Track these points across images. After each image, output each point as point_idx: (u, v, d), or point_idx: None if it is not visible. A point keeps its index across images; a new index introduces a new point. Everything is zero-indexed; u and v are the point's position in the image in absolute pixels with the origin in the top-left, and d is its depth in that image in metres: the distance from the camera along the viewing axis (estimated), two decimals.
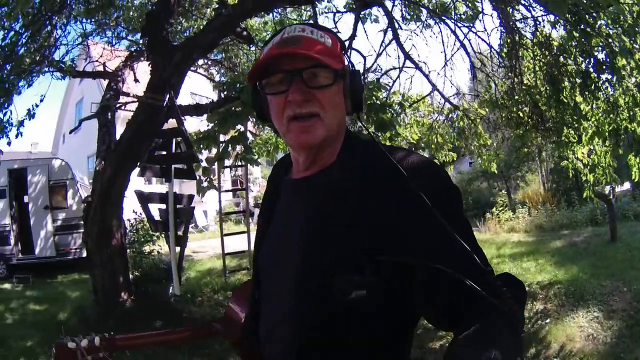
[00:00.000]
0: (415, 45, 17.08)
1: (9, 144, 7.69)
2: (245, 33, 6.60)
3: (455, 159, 10.14)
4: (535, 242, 12.21)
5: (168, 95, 5.60)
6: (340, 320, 1.12)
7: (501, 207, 18.15)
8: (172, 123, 6.12)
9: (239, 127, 6.24)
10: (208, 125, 6.75)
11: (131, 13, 8.49)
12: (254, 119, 5.53)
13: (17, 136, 7.78)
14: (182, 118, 6.01)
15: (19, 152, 13.54)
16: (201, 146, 6.66)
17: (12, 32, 6.72)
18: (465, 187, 23.13)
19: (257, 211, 16.15)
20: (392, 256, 1.06)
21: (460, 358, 0.88)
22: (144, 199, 5.85)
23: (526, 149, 11.17)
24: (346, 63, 1.27)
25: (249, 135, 7.52)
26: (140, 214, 10.43)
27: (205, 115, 6.64)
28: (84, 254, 10.15)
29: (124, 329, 6.72)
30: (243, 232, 10.02)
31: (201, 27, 7.69)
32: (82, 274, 11.89)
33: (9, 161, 12.45)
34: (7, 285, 11.79)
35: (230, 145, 6.30)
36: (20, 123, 7.74)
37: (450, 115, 9.11)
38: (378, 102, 5.04)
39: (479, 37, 7.57)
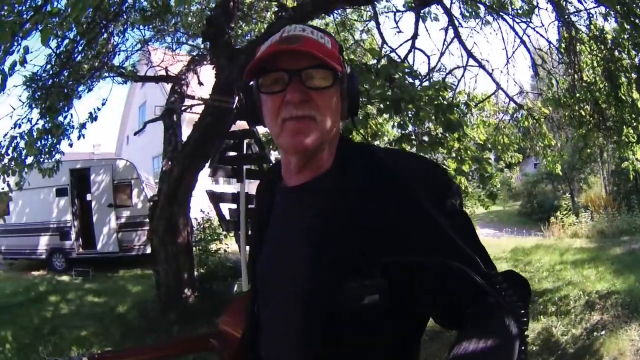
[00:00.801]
0: (477, 43, 16.82)
1: (70, 145, 7.98)
2: None
3: (520, 160, 9.94)
4: (596, 248, 11.90)
5: (237, 98, 5.67)
6: (351, 327, 1.07)
7: (565, 211, 17.61)
8: (239, 125, 6.20)
9: None
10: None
11: (189, 19, 8.62)
12: None
13: (79, 138, 8.05)
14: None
15: (82, 153, 13.99)
16: (270, 147, 6.73)
17: (67, 40, 6.93)
18: (530, 190, 22.61)
19: None
20: (400, 257, 1.04)
21: None
22: (216, 198, 5.91)
23: (588, 149, 10.90)
24: (344, 66, 1.23)
25: None
26: (208, 213, 10.75)
27: None
28: (148, 251, 10.41)
29: (185, 324, 6.90)
30: None
31: (262, 30, 7.78)
32: (144, 270, 12.29)
33: (72, 161, 13.06)
34: (65, 278, 12.28)
35: None
36: (82, 125, 7.99)
37: (515, 115, 8.95)
38: (445, 102, 4.98)
39: (537, 32, 7.42)
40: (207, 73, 8.92)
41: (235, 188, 5.92)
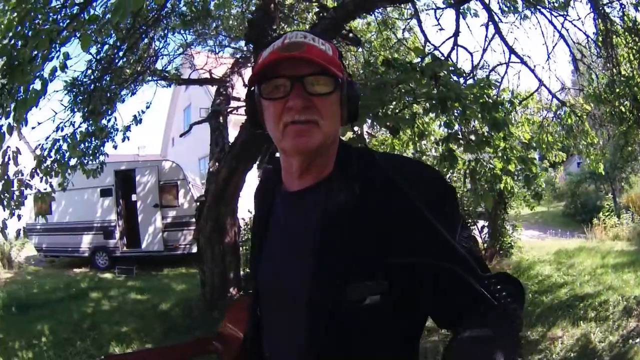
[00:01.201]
0: (517, 38, 16.42)
1: (115, 147, 8.17)
2: (351, 35, 6.57)
3: (564, 159, 9.67)
4: (637, 251, 11.51)
5: None
6: (354, 327, 1.12)
7: (607, 212, 17.05)
8: None
9: (356, 128, 6.21)
10: None
11: (230, 22, 8.63)
12: (371, 120, 5.46)
13: (123, 140, 8.25)
14: None
15: (127, 155, 14.31)
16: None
17: (107, 46, 7.04)
18: (574, 190, 21.98)
19: None
20: (400, 259, 1.08)
21: None
22: None
23: (629, 147, 10.54)
24: (344, 73, 1.25)
25: (365, 136, 7.49)
26: None
27: None
28: (194, 250, 10.52)
29: None
30: None
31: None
32: (189, 269, 12.48)
33: (116, 163, 13.39)
34: (108, 275, 12.60)
35: None
36: (127, 128, 8.19)
37: (558, 112, 8.69)
38: (490, 100, 4.85)
39: (575, 25, 7.15)
40: None
41: None
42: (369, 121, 6.18)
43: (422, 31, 6.97)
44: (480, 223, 10.14)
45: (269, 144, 5.80)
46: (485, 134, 5.09)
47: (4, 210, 4.79)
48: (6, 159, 4.45)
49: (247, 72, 9.45)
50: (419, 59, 5.33)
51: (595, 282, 7.95)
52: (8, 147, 4.46)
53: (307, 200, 1.25)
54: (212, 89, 13.18)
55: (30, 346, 6.75)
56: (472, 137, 5.02)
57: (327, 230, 1.16)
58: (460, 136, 5.09)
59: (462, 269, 1.04)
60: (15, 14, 3.32)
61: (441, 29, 6.84)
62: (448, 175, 9.61)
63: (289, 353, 1.24)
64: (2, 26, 3.64)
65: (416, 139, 6.80)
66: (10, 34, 3.37)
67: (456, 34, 6.37)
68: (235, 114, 9.24)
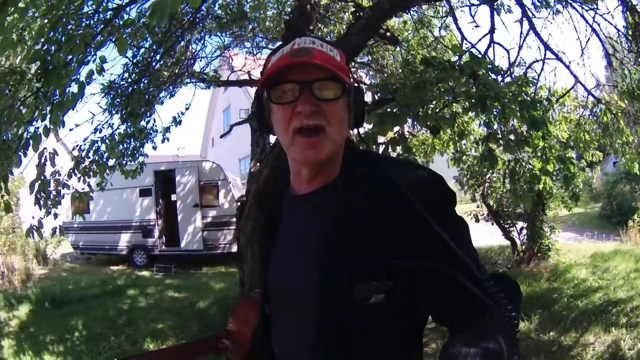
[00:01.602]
0: (551, 34, 15.97)
1: (154, 148, 8.30)
2: (389, 34, 6.52)
3: (601, 158, 9.39)
4: None
5: None
6: (361, 324, 1.15)
7: None
8: None
9: (397, 128, 6.18)
10: (365, 127, 6.75)
11: (267, 23, 8.66)
12: (412, 120, 5.43)
13: (163, 141, 8.37)
14: None
15: (167, 156, 14.57)
16: (360, 148, 6.64)
17: (143, 49, 7.16)
18: (610, 191, 21.29)
19: None
20: (402, 261, 1.11)
21: None
22: None
23: None
24: (351, 78, 1.29)
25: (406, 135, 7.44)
26: None
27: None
28: (233, 249, 10.62)
29: None
30: None
31: (341, 31, 7.71)
32: (229, 268, 12.68)
33: (156, 163, 13.66)
34: (146, 273, 12.89)
35: (390, 146, 6.24)
36: (167, 129, 8.31)
37: (594, 110, 8.45)
38: (528, 98, 4.75)
39: (605, 19, 6.94)
40: None
41: None
42: (410, 121, 6.16)
43: (458, 28, 6.88)
44: (519, 224, 9.96)
45: None
46: (524, 133, 5.01)
47: (40, 210, 4.91)
48: (42, 160, 4.56)
49: None
50: (456, 57, 5.26)
51: (629, 287, 7.68)
52: (45, 148, 4.57)
53: (313, 203, 1.29)
54: (251, 90, 13.31)
55: (62, 340, 6.93)
56: (512, 137, 4.95)
57: (332, 233, 1.19)
58: (500, 136, 5.02)
59: (460, 271, 1.08)
60: (46, 20, 3.39)
61: (477, 26, 6.72)
62: (488, 176, 9.49)
63: (297, 351, 1.28)
64: (33, 32, 3.73)
65: (456, 138, 6.73)
66: (43, 40, 3.45)
67: (491, 30, 6.25)
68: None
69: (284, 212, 1.40)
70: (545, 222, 9.59)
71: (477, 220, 10.70)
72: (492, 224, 10.11)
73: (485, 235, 10.68)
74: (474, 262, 1.13)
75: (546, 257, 9.45)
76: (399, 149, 6.29)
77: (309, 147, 1.20)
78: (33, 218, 4.76)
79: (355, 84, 1.30)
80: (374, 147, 6.49)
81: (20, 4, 2.86)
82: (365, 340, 1.16)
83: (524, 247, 9.70)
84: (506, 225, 9.89)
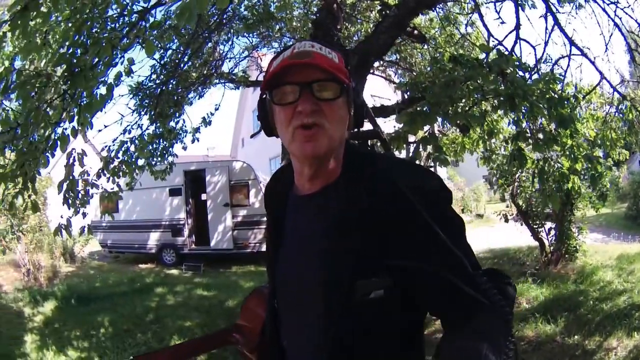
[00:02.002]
0: (576, 30, 15.68)
1: (184, 148, 8.40)
2: (416, 32, 6.48)
3: (627, 157, 9.15)
4: None
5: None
6: (363, 317, 1.20)
7: None
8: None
9: (427, 126, 6.15)
10: (395, 127, 6.73)
11: (294, 23, 8.67)
12: (442, 119, 5.40)
13: (193, 141, 8.44)
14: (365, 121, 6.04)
15: (196, 156, 14.73)
16: (391, 147, 6.63)
17: (170, 51, 7.25)
18: (637, 191, 20.70)
19: None
20: (400, 260, 1.16)
21: None
22: None
23: None
24: (350, 80, 1.33)
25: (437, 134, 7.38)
26: None
27: (391, 117, 6.63)
28: (264, 248, 10.77)
29: None
30: None
31: (369, 30, 7.69)
32: (258, 267, 12.80)
33: (186, 163, 13.85)
34: (174, 271, 13.04)
35: (421, 145, 6.22)
36: (196, 130, 8.40)
37: (620, 107, 8.25)
38: (556, 95, 4.67)
39: (626, 13, 6.77)
40: None
41: None
42: (440, 119, 6.13)
43: (485, 25, 6.77)
44: (548, 225, 9.78)
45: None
46: (552, 131, 4.94)
47: (69, 209, 5.00)
48: (71, 161, 4.64)
49: None
50: (484, 55, 5.21)
51: None
52: (73, 149, 4.64)
53: (316, 204, 1.35)
54: None
55: (87, 336, 7.03)
56: (540, 136, 4.89)
57: (334, 233, 1.25)
58: (529, 134, 4.97)
59: (455, 270, 1.15)
60: (70, 24, 3.45)
61: (502, 23, 6.64)
62: (517, 175, 9.35)
63: (302, 346, 1.36)
64: (57, 36, 3.80)
65: (485, 137, 6.66)
66: (68, 43, 3.51)
67: (517, 27, 6.16)
68: None
69: (289, 212, 1.45)
70: (573, 223, 9.39)
71: (507, 220, 10.56)
72: (521, 224, 9.95)
73: (514, 236, 10.56)
74: (470, 260, 1.19)
75: (573, 258, 9.26)
76: (429, 148, 6.27)
77: (307, 140, 1.24)
78: (62, 217, 4.85)
79: (353, 85, 1.35)
80: (405, 146, 6.47)
81: (43, 9, 2.91)
82: (366, 338, 1.23)
83: (552, 248, 9.53)
84: (535, 226, 9.71)
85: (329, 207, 1.29)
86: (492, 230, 15.99)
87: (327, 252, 1.25)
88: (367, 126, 6.10)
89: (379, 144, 5.91)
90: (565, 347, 5.52)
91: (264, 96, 1.36)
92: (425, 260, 1.15)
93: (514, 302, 1.27)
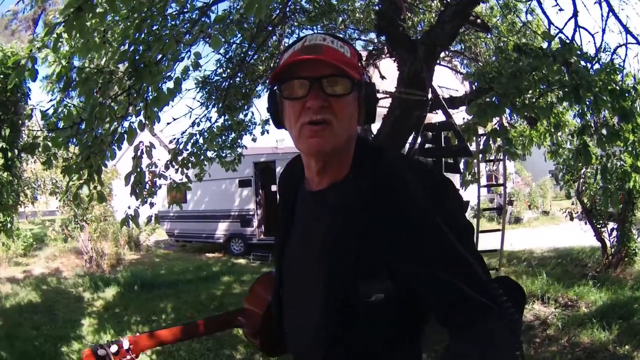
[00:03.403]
0: (629, 16, 14.72)
1: (254, 140, 8.64)
2: (479, 21, 6.35)
3: None
4: None
5: (430, 90, 5.57)
6: (363, 318, 1.19)
7: None
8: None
9: (497, 118, 6.04)
10: (464, 118, 6.63)
11: (357, 15, 8.64)
12: (509, 111, 5.27)
13: (262, 134, 8.63)
14: (434, 112, 6.00)
15: (265, 148, 14.94)
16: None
17: (234, 45, 7.39)
18: None
19: (509, 208, 15.44)
20: (406, 264, 1.13)
21: None
22: None
23: None
24: (363, 75, 1.30)
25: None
26: None
27: (460, 108, 6.55)
28: None
29: None
30: (497, 230, 9.48)
31: (432, 20, 7.60)
32: None
33: (256, 155, 14.04)
34: (242, 261, 13.29)
35: (491, 137, 6.12)
36: (266, 122, 8.60)
37: None
38: (617, 87, 4.45)
39: None
40: (388, 66, 8.96)
41: None
42: (508, 111, 5.99)
43: (544, 12, 6.55)
44: (610, 225, 9.29)
45: (416, 135, 5.80)
46: (615, 125, 4.75)
47: (137, 200, 5.21)
48: (139, 153, 4.83)
49: (382, 64, 9.46)
50: (546, 43, 5.05)
51: None
52: (141, 142, 4.84)
53: (322, 201, 1.34)
54: None
55: (148, 322, 7.28)
56: (604, 131, 4.71)
57: (336, 233, 1.25)
58: (593, 128, 4.80)
59: (466, 275, 1.10)
60: (129, 23, 3.58)
61: (560, 10, 6.40)
62: (583, 171, 8.98)
63: (303, 338, 1.36)
64: (116, 34, 3.96)
65: (552, 130, 6.47)
66: (129, 41, 3.65)
67: (575, 14, 5.93)
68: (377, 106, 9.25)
69: (299, 204, 1.45)
70: (634, 224, 8.89)
71: (572, 219, 10.12)
72: (585, 223, 9.48)
73: (579, 235, 10.01)
74: (479, 266, 1.15)
75: (632, 262, 8.78)
76: (499, 140, 6.15)
77: (313, 135, 1.23)
78: (129, 208, 5.05)
79: (367, 80, 1.32)
80: (475, 138, 6.37)
81: (99, 9, 3.04)
82: (364, 339, 1.23)
83: (613, 250, 9.07)
84: (598, 225, 9.24)
85: (334, 205, 1.28)
86: (557, 228, 15.38)
87: (329, 251, 1.26)
88: (441, 117, 6.04)
89: (452, 135, 5.82)
90: (615, 357, 5.23)
91: (275, 89, 1.33)
92: (433, 264, 1.11)
93: (523, 310, 1.26)
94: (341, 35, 8.63)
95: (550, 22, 5.84)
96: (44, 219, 15.84)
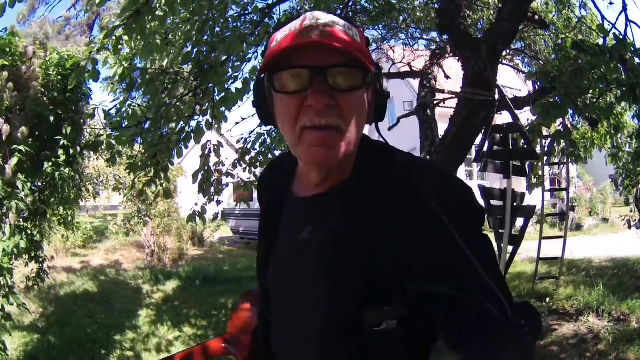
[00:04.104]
0: None
1: None
2: (537, 17, 6.23)
3: None
4: None
5: (497, 90, 5.53)
6: (369, 352, 0.97)
7: None
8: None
9: (560, 120, 5.89)
10: (528, 119, 6.54)
11: (417, 14, 8.60)
12: (572, 111, 5.12)
13: None
14: (499, 113, 5.94)
15: None
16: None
17: None
18: None
19: (571, 214, 14.86)
20: (420, 285, 0.91)
21: None
22: (487, 194, 5.95)
23: None
24: (373, 64, 1.02)
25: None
26: None
27: (525, 109, 6.46)
28: None
29: None
30: (559, 237, 9.18)
31: (490, 18, 7.50)
32: None
33: None
34: None
35: (555, 140, 5.99)
36: None
37: None
38: None
39: None
40: (451, 66, 8.90)
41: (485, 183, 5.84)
42: (571, 112, 5.86)
43: (596, 6, 6.34)
44: None
45: (484, 137, 5.76)
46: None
47: (204, 197, 5.40)
48: (206, 152, 5.01)
49: (446, 63, 9.39)
50: (601, 39, 4.91)
51: None
52: (208, 141, 5.01)
53: (318, 207, 1.10)
54: (412, 82, 13.23)
55: (207, 316, 7.46)
56: None
57: (340, 247, 1.02)
58: None
59: (489, 299, 0.90)
60: (189, 26, 3.74)
61: (611, 4, 6.18)
62: None
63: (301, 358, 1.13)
64: (178, 37, 4.13)
65: (612, 132, 6.28)
66: (191, 43, 3.82)
67: (624, 7, 5.72)
68: (442, 106, 9.17)
69: (285, 211, 1.20)
70: None
71: (630, 227, 9.51)
72: None
73: (636, 244, 9.44)
74: (501, 286, 0.95)
75: None
76: (562, 142, 6.01)
77: (320, 145, 0.98)
78: (196, 205, 5.21)
79: (377, 69, 1.06)
80: (539, 140, 6.25)
81: (158, 12, 3.19)
82: (375, 357, 0.99)
83: None
84: None
85: (333, 213, 1.05)
86: (616, 236, 14.55)
87: (328, 268, 1.03)
88: (507, 118, 5.96)
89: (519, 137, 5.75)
90: None
91: (262, 77, 1.06)
92: (452, 285, 0.91)
93: (538, 338, 1.05)
94: (402, 35, 8.60)
95: (603, 17, 5.68)
96: (106, 214, 16.29)
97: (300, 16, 1.01)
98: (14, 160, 4.53)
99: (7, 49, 4.86)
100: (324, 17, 0.98)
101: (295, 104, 0.98)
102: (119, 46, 3.45)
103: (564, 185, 10.96)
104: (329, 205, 1.07)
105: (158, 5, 3.19)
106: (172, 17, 3.74)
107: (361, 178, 1.05)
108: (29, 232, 5.15)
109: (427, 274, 0.92)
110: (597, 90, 4.49)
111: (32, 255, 5.44)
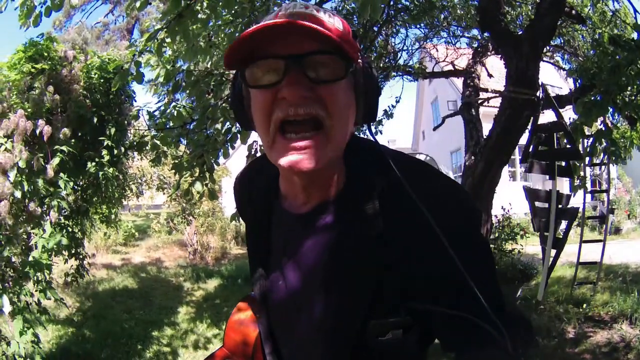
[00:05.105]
0: None
1: None
2: (574, 12, 6.10)
3: None
4: None
5: (541, 88, 5.46)
6: (374, 356, 0.97)
7: None
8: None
9: (601, 118, 5.78)
10: (570, 118, 6.43)
11: (457, 11, 8.52)
12: (613, 109, 5.00)
13: (375, 134, 8.69)
14: (541, 112, 5.84)
15: None
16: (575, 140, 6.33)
17: None
18: None
19: (611, 217, 14.58)
20: (420, 301, 0.92)
21: None
22: (532, 195, 5.86)
23: None
24: (360, 55, 0.95)
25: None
26: (508, 211, 10.67)
27: (567, 107, 6.36)
28: None
29: None
30: (599, 241, 8.97)
31: (529, 14, 7.40)
32: None
33: None
34: None
35: (597, 139, 5.87)
36: (379, 122, 8.79)
37: None
38: None
39: None
40: (493, 64, 8.89)
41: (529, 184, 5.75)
42: (611, 110, 5.75)
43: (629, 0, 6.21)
44: None
45: (530, 137, 5.68)
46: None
47: None
48: (252, 152, 5.04)
49: (488, 61, 9.28)
50: (635, 34, 4.80)
51: None
52: (255, 141, 5.04)
53: (315, 225, 1.03)
54: (456, 81, 13.15)
55: None
56: None
57: (342, 265, 0.98)
58: None
59: (476, 312, 0.87)
60: (232, 29, 3.76)
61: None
62: None
63: None
64: (220, 38, 4.16)
65: None
66: None
67: None
68: (486, 105, 9.08)
69: (276, 226, 1.12)
70: None
71: None
72: None
73: None
74: (496, 295, 0.94)
75: None
76: (604, 142, 5.90)
77: (296, 149, 0.89)
78: None
79: (366, 63, 0.97)
80: (581, 140, 6.14)
81: (201, 15, 3.22)
82: None
83: None
84: None
85: (334, 231, 1.00)
86: None
87: (333, 287, 1.00)
88: (550, 116, 5.87)
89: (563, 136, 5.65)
90: None
91: (238, 73, 0.97)
92: (448, 299, 0.90)
93: (529, 348, 0.97)
94: (444, 34, 8.53)
95: (635, 10, 5.54)
96: (148, 212, 16.53)
97: (277, 9, 0.95)
98: (55, 160, 4.64)
99: (46, 54, 4.99)
100: (300, 6, 0.91)
101: (269, 97, 0.89)
102: (162, 49, 3.51)
103: (604, 187, 10.70)
104: (326, 222, 1.01)
105: (200, 8, 3.21)
106: (214, 20, 3.75)
107: (355, 188, 1.00)
108: (70, 229, 5.31)
109: (424, 287, 0.92)
110: (635, 87, 4.37)
111: (73, 252, 5.62)
